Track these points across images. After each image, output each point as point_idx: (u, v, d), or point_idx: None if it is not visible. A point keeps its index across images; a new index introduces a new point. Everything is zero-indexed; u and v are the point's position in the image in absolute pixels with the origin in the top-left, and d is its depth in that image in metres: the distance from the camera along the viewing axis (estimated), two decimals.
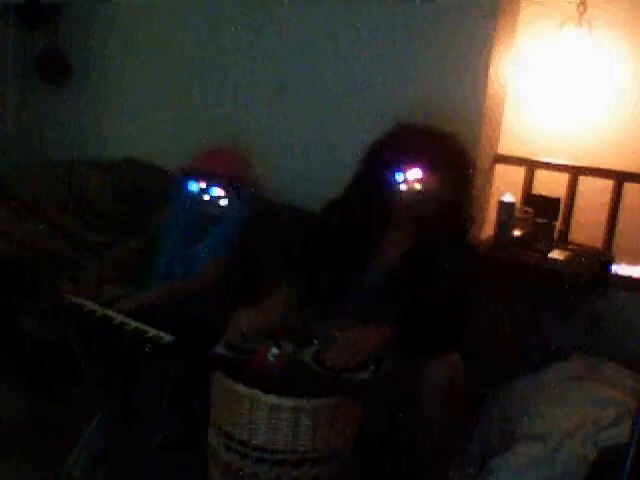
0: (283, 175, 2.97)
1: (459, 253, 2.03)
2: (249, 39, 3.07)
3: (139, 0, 3.38)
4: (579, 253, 2.63)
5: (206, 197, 2.41)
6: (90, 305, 2.20)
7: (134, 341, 2.04)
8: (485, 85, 2.60)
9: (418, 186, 2.00)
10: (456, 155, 2.06)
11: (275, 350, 1.78)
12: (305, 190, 2.80)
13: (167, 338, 2.02)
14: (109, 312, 2.17)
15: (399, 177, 2.01)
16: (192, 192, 2.42)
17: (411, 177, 2.00)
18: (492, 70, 2.61)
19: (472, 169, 2.11)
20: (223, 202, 2.41)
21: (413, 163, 1.99)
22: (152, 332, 2.05)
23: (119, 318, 2.14)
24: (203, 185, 2.40)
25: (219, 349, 1.86)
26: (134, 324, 2.10)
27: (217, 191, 2.41)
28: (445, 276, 1.96)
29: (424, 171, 1.99)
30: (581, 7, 2.68)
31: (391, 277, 2.05)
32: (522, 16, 2.77)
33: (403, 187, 2.01)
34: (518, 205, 2.70)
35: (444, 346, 1.93)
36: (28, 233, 2.82)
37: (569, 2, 2.71)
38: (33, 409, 2.38)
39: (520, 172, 2.83)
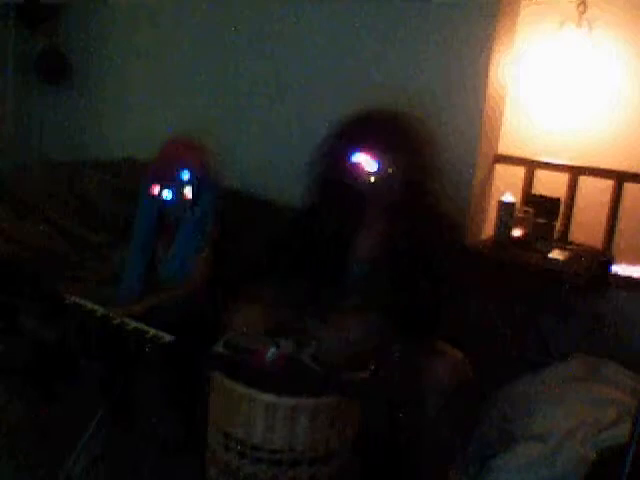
0: (283, 175, 2.97)
1: (430, 233, 2.02)
2: (249, 39, 3.07)
3: (139, 0, 3.39)
4: (579, 253, 2.62)
5: (167, 189, 2.39)
6: (90, 305, 2.20)
7: (134, 341, 2.04)
8: (485, 85, 2.60)
9: (373, 171, 1.99)
10: (409, 135, 2.04)
11: (274, 349, 1.78)
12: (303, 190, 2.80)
13: (167, 338, 2.02)
14: (109, 312, 2.18)
15: (354, 165, 2.01)
16: (155, 185, 2.41)
17: (364, 164, 1.99)
18: (492, 70, 2.61)
19: (429, 146, 2.09)
20: (187, 192, 2.40)
21: (365, 149, 1.99)
22: (152, 332, 2.05)
23: (119, 318, 2.14)
24: (164, 176, 2.39)
25: (218, 348, 1.86)
26: (134, 324, 2.10)
27: (178, 181, 2.39)
28: (421, 258, 1.96)
29: (377, 155, 1.98)
30: (581, 7, 2.68)
31: (372, 267, 2.05)
32: (522, 16, 2.77)
33: (359, 175, 2.00)
34: (518, 205, 2.70)
35: (422, 328, 1.94)
36: (28, 233, 2.82)
37: (569, 2, 2.71)
38: (33, 409, 2.38)
39: (520, 172, 2.83)
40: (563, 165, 2.78)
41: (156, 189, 2.38)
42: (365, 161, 1.99)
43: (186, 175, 2.39)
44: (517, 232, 2.65)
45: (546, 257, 2.56)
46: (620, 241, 2.71)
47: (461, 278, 2.07)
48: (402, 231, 2.01)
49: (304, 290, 2.06)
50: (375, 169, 1.99)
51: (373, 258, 2.06)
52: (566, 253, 2.60)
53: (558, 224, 2.75)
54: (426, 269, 1.96)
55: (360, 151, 1.99)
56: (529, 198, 2.78)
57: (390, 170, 2.00)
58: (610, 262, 2.65)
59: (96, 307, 2.20)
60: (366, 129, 2.03)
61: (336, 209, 2.07)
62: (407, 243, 1.99)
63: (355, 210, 2.08)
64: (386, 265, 2.01)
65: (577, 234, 2.77)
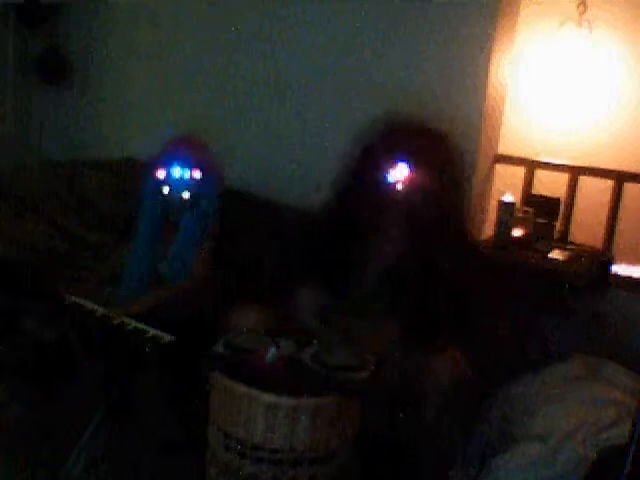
0: (282, 175, 2.98)
1: (455, 249, 2.04)
2: (249, 39, 3.07)
3: (139, 0, 3.38)
4: (579, 253, 2.63)
5: (172, 185, 2.40)
6: (90, 305, 2.20)
7: (134, 341, 2.04)
8: (485, 85, 2.60)
9: (408, 182, 2.00)
10: (445, 151, 2.06)
11: (273, 350, 1.77)
12: (304, 190, 2.80)
13: (167, 338, 2.02)
14: (109, 312, 2.18)
15: (389, 174, 2.01)
16: (158, 184, 2.42)
17: (400, 174, 2.00)
18: (492, 70, 2.61)
19: (462, 164, 2.11)
20: (188, 190, 2.41)
21: (402, 160, 2.00)
22: (152, 332, 2.05)
23: (119, 318, 2.14)
24: (166, 174, 2.40)
25: (218, 348, 1.86)
26: (134, 324, 2.10)
27: (181, 179, 2.40)
28: (443, 271, 1.96)
29: (413, 167, 1.99)
30: (581, 7, 2.68)
31: (390, 275, 2.05)
32: (522, 16, 2.77)
33: (393, 184, 2.02)
34: (518, 205, 2.70)
35: (444, 338, 1.94)
36: (28, 233, 2.82)
37: (569, 2, 2.71)
38: (33, 409, 2.38)
39: (520, 172, 2.83)
40: (563, 165, 2.78)
41: (160, 181, 2.39)
42: (402, 172, 2.00)
43: (190, 172, 2.40)
44: (517, 232, 2.66)
45: (546, 257, 2.56)
46: (620, 241, 2.71)
47: (463, 279, 2.07)
48: (425, 244, 2.02)
49: (313, 290, 2.06)
50: (411, 180, 2.00)
51: (391, 267, 2.07)
52: (566, 253, 2.60)
53: (558, 224, 2.75)
54: (444, 283, 1.96)
55: (398, 161, 2.00)
56: (529, 198, 2.78)
57: (422, 180, 2.00)
58: (610, 262, 2.65)
59: (96, 307, 2.20)
60: (410, 141, 2.04)
61: (362, 211, 2.08)
62: (429, 255, 2.00)
63: (381, 216, 2.09)
64: (403, 276, 2.02)
65: (577, 234, 2.78)
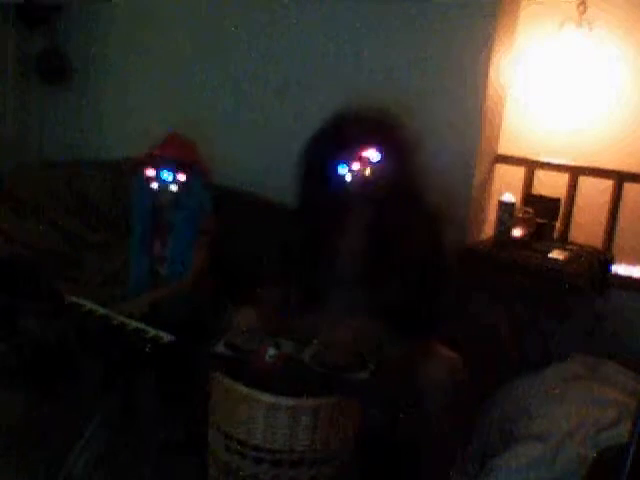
0: (283, 174, 2.97)
1: (420, 231, 2.03)
2: (249, 39, 3.07)
3: (139, 0, 3.38)
4: (579, 253, 2.63)
5: (159, 183, 2.43)
6: (90, 305, 2.21)
7: (134, 341, 2.04)
8: (485, 85, 2.60)
9: (362, 171, 2.01)
10: (392, 132, 2.06)
11: (272, 350, 1.77)
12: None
13: (167, 338, 2.03)
14: (109, 312, 2.18)
15: (342, 166, 2.02)
16: (147, 180, 2.44)
17: (353, 163, 2.01)
18: (492, 70, 2.61)
19: (410, 142, 2.10)
20: (175, 187, 2.44)
21: (352, 149, 2.00)
22: (152, 332, 2.06)
23: (119, 318, 2.15)
24: (155, 172, 2.43)
25: (219, 348, 1.86)
26: (134, 324, 2.11)
27: (170, 176, 2.43)
28: (410, 253, 1.97)
29: (365, 154, 2.00)
30: (581, 7, 2.68)
31: (361, 267, 2.06)
32: (522, 16, 2.77)
33: (347, 175, 2.02)
34: (518, 205, 2.70)
35: (416, 328, 1.94)
36: (28, 233, 2.82)
37: (569, 2, 2.70)
38: (33, 409, 2.38)
39: (520, 172, 2.83)
40: (563, 165, 2.78)
41: (148, 178, 2.42)
42: (355, 161, 2.00)
43: (176, 170, 2.42)
44: (517, 232, 2.65)
45: (546, 257, 2.56)
46: (620, 241, 2.71)
47: (461, 278, 2.08)
48: (393, 229, 2.02)
49: (304, 291, 2.06)
50: (365, 168, 2.01)
51: (361, 259, 2.07)
52: (566, 253, 2.60)
53: (558, 224, 2.75)
54: (420, 269, 1.96)
55: (349, 151, 2.00)
56: (529, 198, 2.78)
57: (378, 169, 2.01)
58: (610, 262, 2.65)
59: (96, 307, 2.20)
60: (356, 130, 2.04)
61: (326, 210, 2.08)
62: (398, 241, 2.00)
63: (344, 208, 2.09)
64: (378, 265, 2.02)
65: (577, 234, 2.78)
